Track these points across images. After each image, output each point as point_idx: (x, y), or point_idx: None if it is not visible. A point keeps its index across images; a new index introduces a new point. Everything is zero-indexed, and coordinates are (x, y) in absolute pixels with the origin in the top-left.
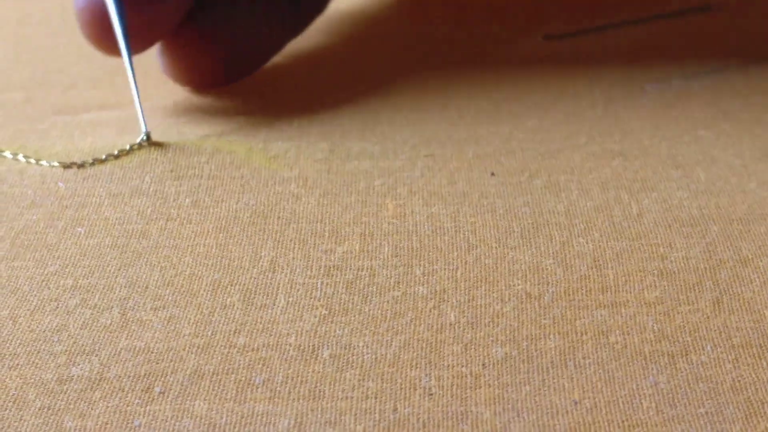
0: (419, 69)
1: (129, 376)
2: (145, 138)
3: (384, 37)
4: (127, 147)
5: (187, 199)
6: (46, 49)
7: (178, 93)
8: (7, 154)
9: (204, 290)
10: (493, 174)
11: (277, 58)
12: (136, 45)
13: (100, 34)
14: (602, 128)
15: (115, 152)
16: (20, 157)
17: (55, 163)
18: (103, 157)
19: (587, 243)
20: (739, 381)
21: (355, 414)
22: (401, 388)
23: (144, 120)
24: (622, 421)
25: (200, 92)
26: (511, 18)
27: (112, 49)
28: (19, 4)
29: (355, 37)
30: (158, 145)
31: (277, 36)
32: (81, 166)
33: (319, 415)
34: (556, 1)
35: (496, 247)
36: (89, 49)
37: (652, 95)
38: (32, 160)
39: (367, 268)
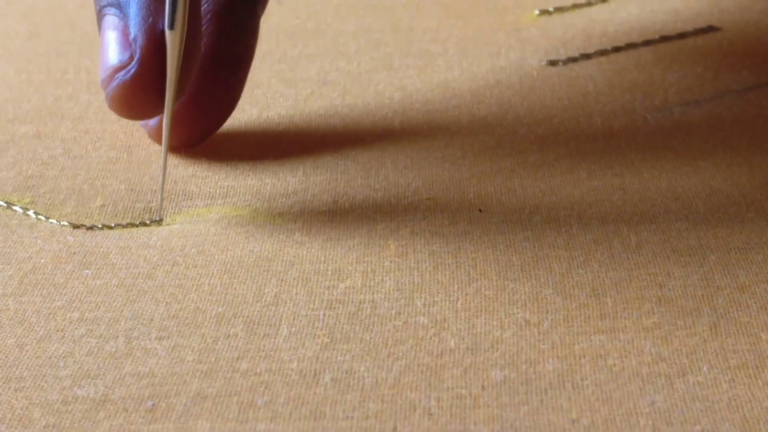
0: (424, 101)
1: (133, 398)
2: (158, 218)
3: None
4: (137, 223)
5: (192, 249)
6: (56, 71)
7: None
8: (18, 208)
9: (208, 322)
10: (481, 210)
11: (283, 91)
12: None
13: (134, 113)
14: (603, 162)
15: (124, 224)
16: (30, 213)
17: (65, 223)
18: (113, 225)
19: (586, 273)
20: (735, 400)
21: None
22: (401, 409)
23: (161, 207)
24: None
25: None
26: (515, 41)
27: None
28: (29, 19)
29: (359, 71)
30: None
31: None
32: (90, 228)
33: None
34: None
35: (496, 280)
36: (97, 72)
37: (652, 125)
38: (42, 217)
39: (369, 301)
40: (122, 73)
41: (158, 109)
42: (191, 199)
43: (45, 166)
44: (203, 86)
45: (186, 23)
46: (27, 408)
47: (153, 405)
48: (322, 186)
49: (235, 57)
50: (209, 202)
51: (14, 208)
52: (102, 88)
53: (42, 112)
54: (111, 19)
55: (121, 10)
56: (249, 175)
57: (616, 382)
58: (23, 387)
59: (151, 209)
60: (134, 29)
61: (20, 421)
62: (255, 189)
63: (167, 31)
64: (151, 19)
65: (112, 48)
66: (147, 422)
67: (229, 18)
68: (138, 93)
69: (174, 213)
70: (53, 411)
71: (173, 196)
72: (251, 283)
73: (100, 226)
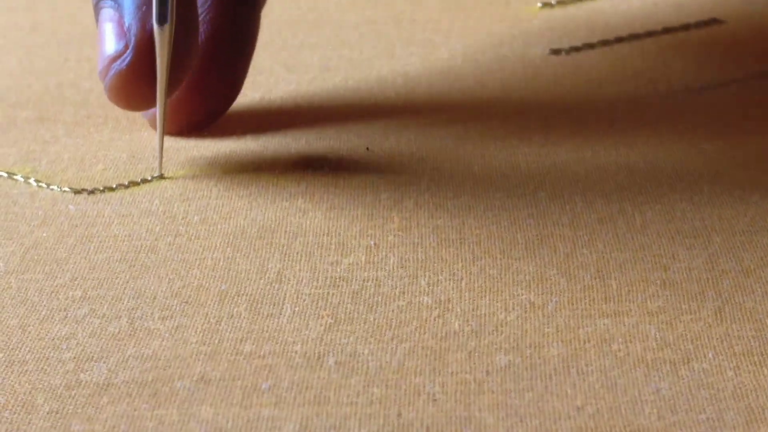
0: (427, 85)
1: (136, 382)
2: (157, 174)
3: (392, 54)
4: (138, 180)
5: (195, 217)
6: (59, 61)
7: None
8: (19, 177)
9: (211, 300)
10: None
11: (285, 76)
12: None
13: (131, 103)
14: (607, 142)
15: (126, 183)
16: (32, 180)
17: (66, 189)
18: (114, 186)
19: (591, 254)
20: (740, 388)
21: (360, 419)
22: (405, 394)
23: (161, 164)
24: (624, 427)
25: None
26: (518, 32)
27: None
28: (31, 11)
29: (361, 59)
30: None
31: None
32: (91, 192)
33: (324, 420)
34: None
35: (500, 258)
36: None
37: (657, 110)
38: (43, 185)
39: (373, 279)
40: (118, 62)
41: (154, 100)
42: (193, 157)
43: (47, 143)
44: (206, 73)
45: (174, 18)
46: (30, 393)
47: (156, 390)
48: (325, 151)
49: (238, 45)
50: (212, 159)
51: (15, 177)
52: (100, 80)
53: (44, 97)
54: (107, 12)
55: (116, 2)
56: (251, 143)
57: (621, 369)
58: (26, 371)
59: (153, 169)
60: (128, 19)
61: (24, 406)
62: (257, 152)
63: (155, 26)
64: (144, 8)
65: (109, 39)
66: (150, 407)
67: (231, 6)
68: (134, 81)
69: (176, 168)
70: (56, 396)
71: (175, 153)
72: (254, 258)
73: (101, 188)
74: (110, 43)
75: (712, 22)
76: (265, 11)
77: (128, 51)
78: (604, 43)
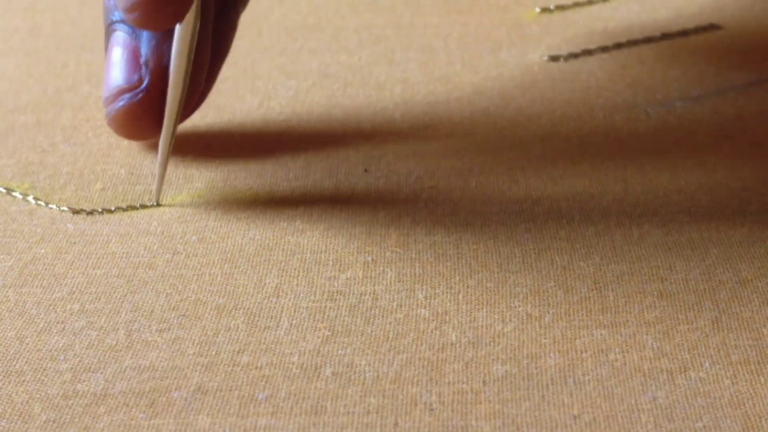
0: (425, 93)
1: (133, 392)
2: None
3: (391, 59)
4: (137, 205)
5: (193, 237)
6: (57, 65)
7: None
8: (17, 194)
9: (209, 314)
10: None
11: (282, 93)
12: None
13: (134, 135)
14: (605, 154)
15: (124, 206)
16: (30, 198)
17: (65, 208)
18: (113, 208)
19: (588, 266)
20: (737, 396)
21: (357, 428)
22: (402, 404)
23: (159, 193)
24: None
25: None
26: (517, 38)
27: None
28: (29, 15)
29: (360, 65)
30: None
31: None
32: (90, 213)
33: (320, 430)
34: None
35: (497, 272)
36: (99, 66)
37: (654, 119)
38: (42, 203)
39: (370, 293)
40: (129, 95)
41: (156, 133)
42: (191, 182)
43: (45, 153)
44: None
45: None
46: (27, 402)
47: (153, 400)
48: (323, 172)
49: (213, 49)
50: (210, 184)
51: (14, 194)
52: (104, 105)
53: (42, 101)
54: (121, 36)
55: (133, 29)
56: (250, 160)
57: (618, 378)
58: (24, 381)
59: (151, 191)
60: (146, 51)
61: (21, 416)
62: (256, 173)
63: (172, 64)
64: (163, 42)
65: (120, 67)
66: (147, 417)
67: (211, 8)
68: (142, 117)
69: (174, 194)
70: (53, 406)
71: (173, 178)
72: (252, 274)
73: (100, 210)
74: (121, 72)
75: (711, 28)
76: (263, 16)
77: (143, 86)
78: (603, 49)
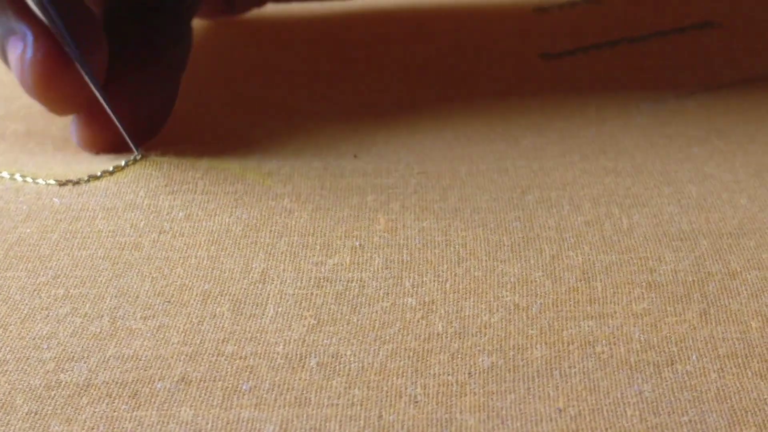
0: (416, 90)
1: (117, 383)
2: (138, 155)
3: (382, 59)
4: (123, 163)
5: (180, 213)
6: None
7: (177, 116)
8: (5, 174)
9: (194, 300)
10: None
11: (275, 82)
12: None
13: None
14: (596, 146)
15: (111, 168)
16: (17, 176)
17: (52, 181)
18: (99, 173)
19: (577, 256)
20: (723, 390)
21: (341, 420)
22: (387, 396)
23: (133, 143)
24: (606, 429)
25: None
26: (508, 36)
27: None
28: None
29: (353, 59)
30: (154, 161)
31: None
32: (77, 183)
33: (304, 422)
34: (553, 19)
35: (485, 260)
36: None
37: (646, 114)
38: (29, 179)
39: (357, 280)
40: (27, 54)
41: (76, 82)
42: (182, 143)
43: (34, 155)
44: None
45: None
46: (10, 393)
47: (136, 391)
48: (313, 152)
49: (171, 59)
50: (200, 146)
51: (1, 174)
52: (25, 89)
53: (33, 110)
54: (12, 41)
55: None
56: (236, 144)
57: (604, 371)
58: (6, 371)
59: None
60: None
61: (2, 407)
62: (245, 153)
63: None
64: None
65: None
66: (130, 408)
67: (159, 22)
68: (50, 61)
69: (162, 154)
70: (36, 397)
71: (164, 135)
72: (239, 257)
73: (86, 178)
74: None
75: (705, 25)
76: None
77: (27, 37)
78: (597, 47)
